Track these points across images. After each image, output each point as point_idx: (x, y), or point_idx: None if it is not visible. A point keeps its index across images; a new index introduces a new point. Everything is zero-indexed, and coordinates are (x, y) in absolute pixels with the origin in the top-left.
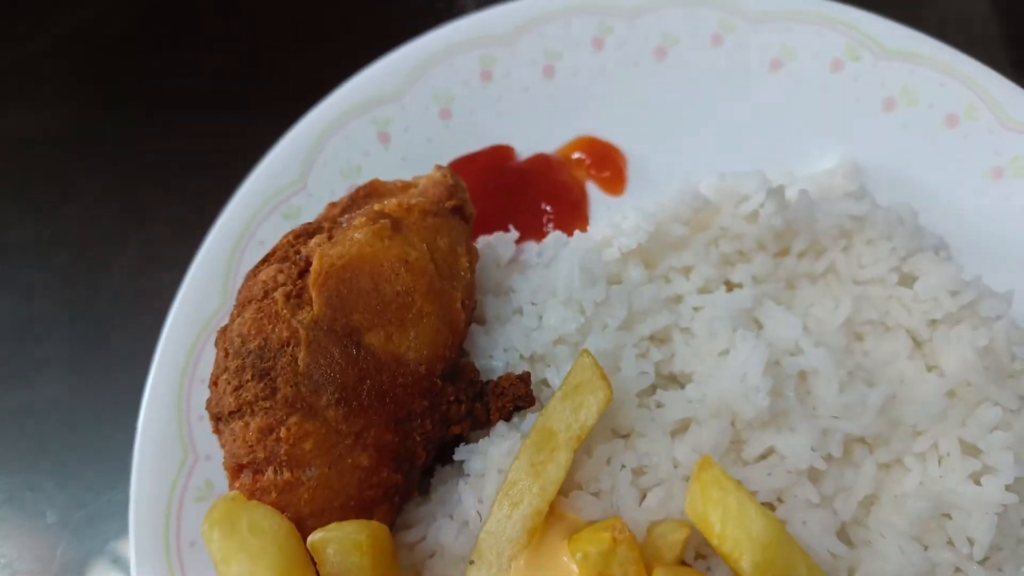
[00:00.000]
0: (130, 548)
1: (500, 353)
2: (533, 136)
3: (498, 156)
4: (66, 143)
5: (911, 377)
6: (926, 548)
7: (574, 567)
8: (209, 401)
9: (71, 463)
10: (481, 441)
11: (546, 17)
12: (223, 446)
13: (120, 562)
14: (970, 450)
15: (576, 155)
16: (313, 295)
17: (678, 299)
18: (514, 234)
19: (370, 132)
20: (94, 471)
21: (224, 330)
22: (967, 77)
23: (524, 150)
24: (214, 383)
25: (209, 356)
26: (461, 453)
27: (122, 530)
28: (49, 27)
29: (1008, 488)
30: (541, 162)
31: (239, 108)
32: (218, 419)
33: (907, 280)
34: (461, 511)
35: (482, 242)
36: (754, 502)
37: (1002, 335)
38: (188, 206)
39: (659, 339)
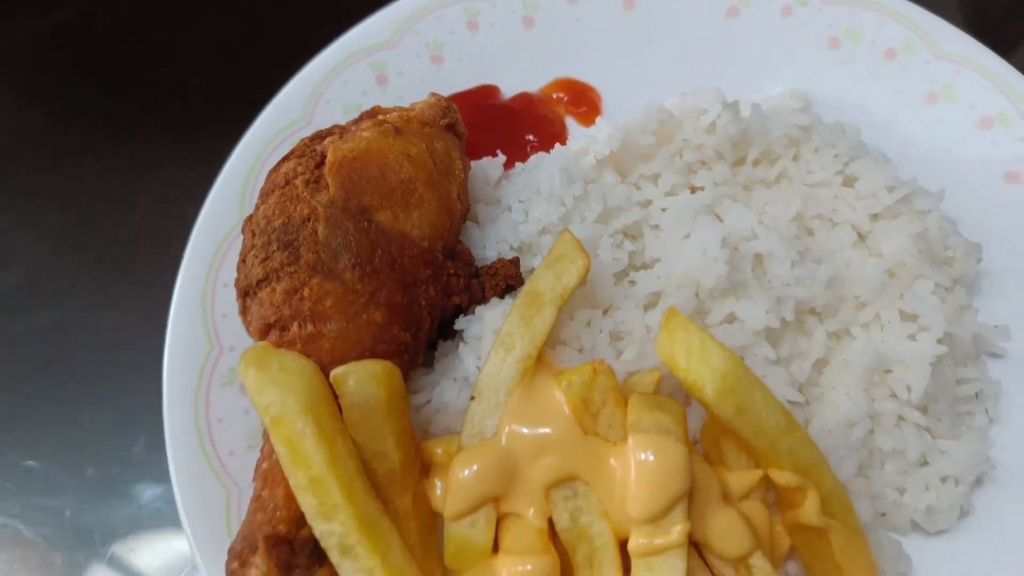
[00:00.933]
0: (165, 425)
1: (492, 244)
2: (516, 79)
3: (485, 94)
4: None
5: (856, 262)
6: (872, 401)
7: (560, 396)
8: (237, 280)
9: (103, 371)
10: (478, 309)
11: None
12: (249, 322)
13: (153, 447)
14: (908, 318)
15: (556, 95)
16: (329, 180)
17: (647, 203)
18: (502, 158)
19: (368, 75)
20: (123, 376)
21: (250, 218)
22: (904, 16)
23: (508, 91)
24: (242, 261)
25: (230, 263)
26: (461, 323)
27: (152, 424)
28: None
29: (939, 341)
30: (524, 99)
31: (243, 60)
32: (246, 294)
33: (850, 182)
34: (462, 369)
35: (473, 165)
36: (714, 340)
37: (934, 225)
38: (200, 154)
39: (631, 235)
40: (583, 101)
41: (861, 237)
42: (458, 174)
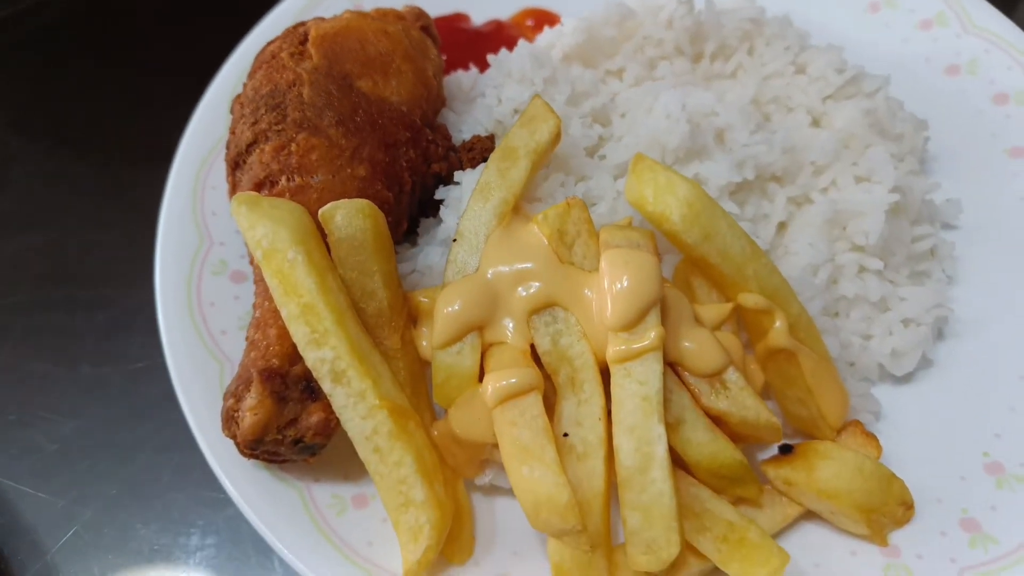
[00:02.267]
0: (157, 305)
1: (468, 128)
2: (486, 7)
3: (456, 19)
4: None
5: (811, 135)
6: (834, 250)
7: (537, 231)
8: (227, 154)
9: (96, 274)
10: (456, 174)
11: None
12: (239, 191)
13: (148, 346)
14: (862, 180)
15: (526, 23)
16: (312, 51)
17: (614, 96)
18: (475, 71)
19: (346, 4)
20: (118, 284)
21: (238, 96)
22: None
23: (479, 19)
24: (232, 133)
25: (218, 169)
26: (441, 192)
27: (147, 328)
28: None
29: (891, 191)
30: (494, 25)
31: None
32: (236, 166)
33: (802, 69)
34: (444, 230)
35: (448, 79)
36: (680, 175)
37: (882, 103)
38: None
39: (600, 120)
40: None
41: (816, 121)
42: (433, 59)
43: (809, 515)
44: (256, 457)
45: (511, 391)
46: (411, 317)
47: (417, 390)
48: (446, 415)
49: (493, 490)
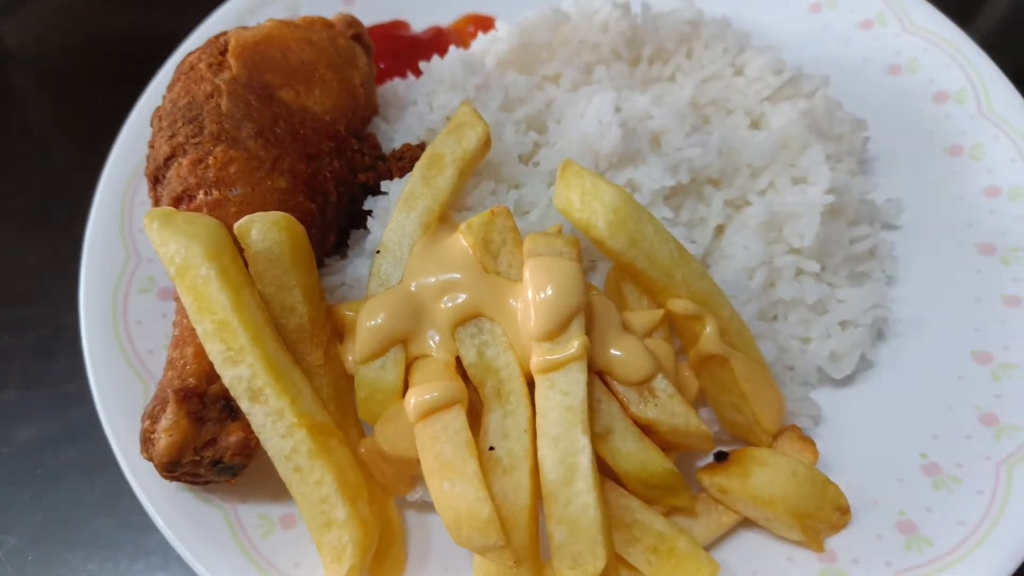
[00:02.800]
0: (81, 324)
1: (400, 136)
2: (426, 16)
3: (395, 27)
4: None
5: (748, 136)
6: (770, 254)
7: (462, 241)
8: (147, 168)
9: (23, 294)
10: (383, 184)
11: None
12: (160, 206)
13: (74, 368)
14: (799, 181)
15: (468, 29)
16: (231, 62)
17: (550, 102)
18: (412, 79)
19: (280, 13)
20: (43, 292)
21: (158, 109)
22: None
23: (419, 27)
24: (151, 147)
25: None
26: (369, 203)
27: (74, 340)
28: None
29: (826, 192)
30: (434, 31)
31: None
32: (156, 180)
33: (740, 71)
34: (372, 241)
35: (386, 87)
36: (607, 181)
37: (821, 102)
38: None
39: (535, 127)
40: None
41: (755, 123)
42: (361, 67)
43: (746, 522)
44: (177, 479)
45: (433, 405)
46: (336, 331)
47: (343, 406)
48: (374, 431)
49: (427, 507)
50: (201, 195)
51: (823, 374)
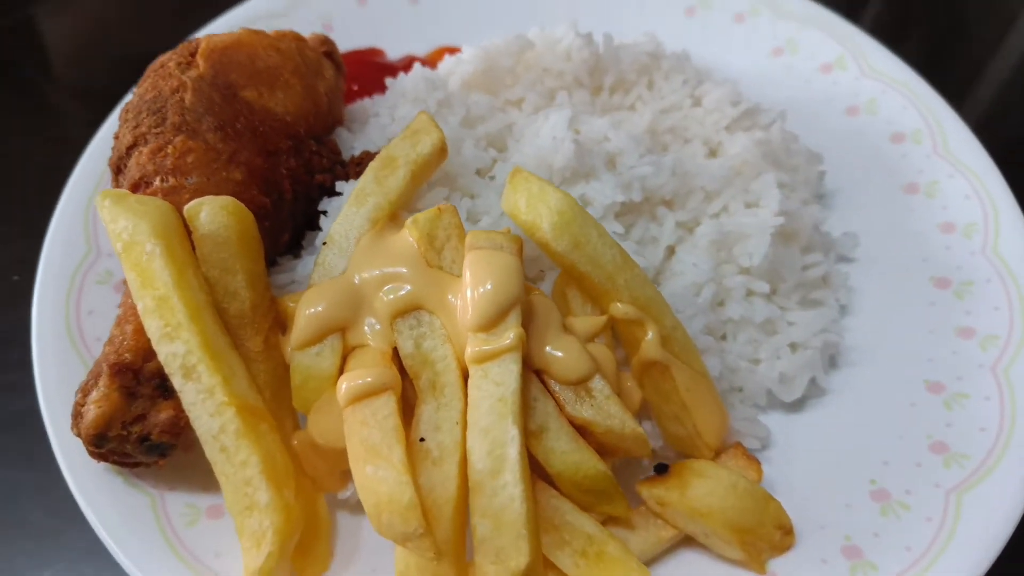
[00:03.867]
0: (33, 306)
1: (360, 145)
2: (402, 47)
3: (370, 53)
4: None
5: (704, 162)
6: (720, 273)
7: (408, 236)
8: (111, 159)
9: None
10: (338, 184)
11: None
12: None
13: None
14: (752, 205)
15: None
16: (200, 62)
17: (512, 124)
18: (379, 96)
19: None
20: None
21: (126, 104)
22: None
23: (394, 56)
24: (115, 138)
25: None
26: (324, 203)
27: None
28: None
29: (776, 215)
30: (408, 60)
31: None
32: (118, 170)
33: (698, 102)
34: (323, 238)
35: (357, 105)
36: (553, 186)
37: (777, 134)
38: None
39: (496, 145)
40: None
41: (712, 152)
42: (328, 79)
43: (686, 542)
44: (105, 458)
45: (364, 390)
46: (279, 323)
47: (279, 397)
48: (307, 422)
49: (359, 507)
50: (157, 182)
51: (773, 398)
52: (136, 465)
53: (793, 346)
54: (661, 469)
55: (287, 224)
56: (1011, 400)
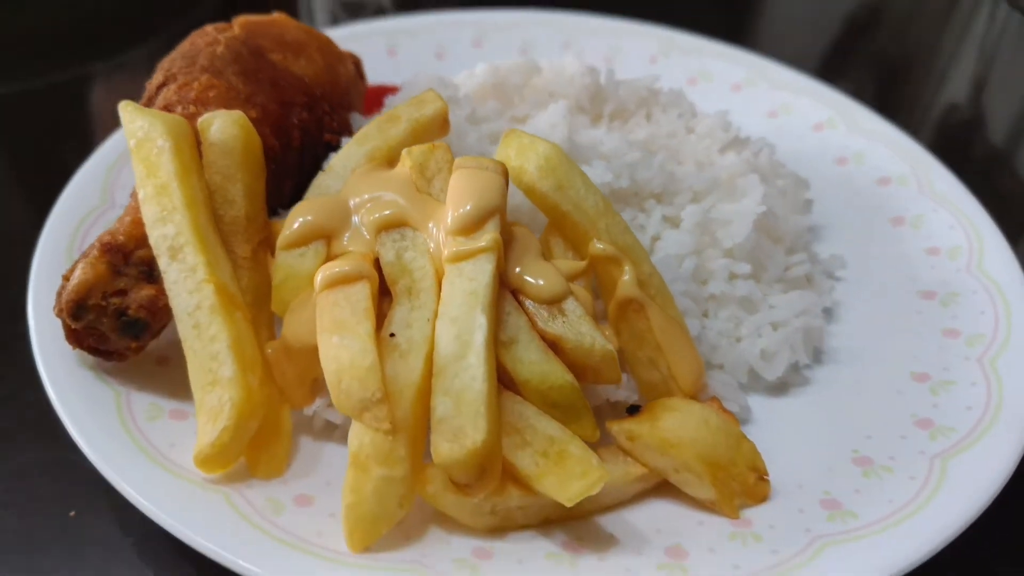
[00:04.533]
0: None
1: None
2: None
3: (386, 89)
4: None
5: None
6: (704, 261)
7: (400, 168)
8: (141, 100)
9: None
10: (343, 141)
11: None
12: None
13: None
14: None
15: None
16: (235, 27)
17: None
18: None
19: None
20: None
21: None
22: (745, 61)
23: None
24: (146, 85)
25: None
26: (328, 161)
27: None
28: None
29: (759, 204)
30: None
31: None
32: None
33: (691, 131)
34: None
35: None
36: (543, 139)
37: (766, 159)
38: None
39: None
40: None
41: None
42: (349, 69)
43: (656, 491)
44: (80, 342)
45: (340, 277)
46: (270, 244)
47: (259, 307)
48: (282, 325)
49: (324, 433)
50: (179, 110)
51: (754, 378)
52: (109, 356)
53: (774, 324)
54: (633, 410)
55: (292, 172)
56: (998, 385)
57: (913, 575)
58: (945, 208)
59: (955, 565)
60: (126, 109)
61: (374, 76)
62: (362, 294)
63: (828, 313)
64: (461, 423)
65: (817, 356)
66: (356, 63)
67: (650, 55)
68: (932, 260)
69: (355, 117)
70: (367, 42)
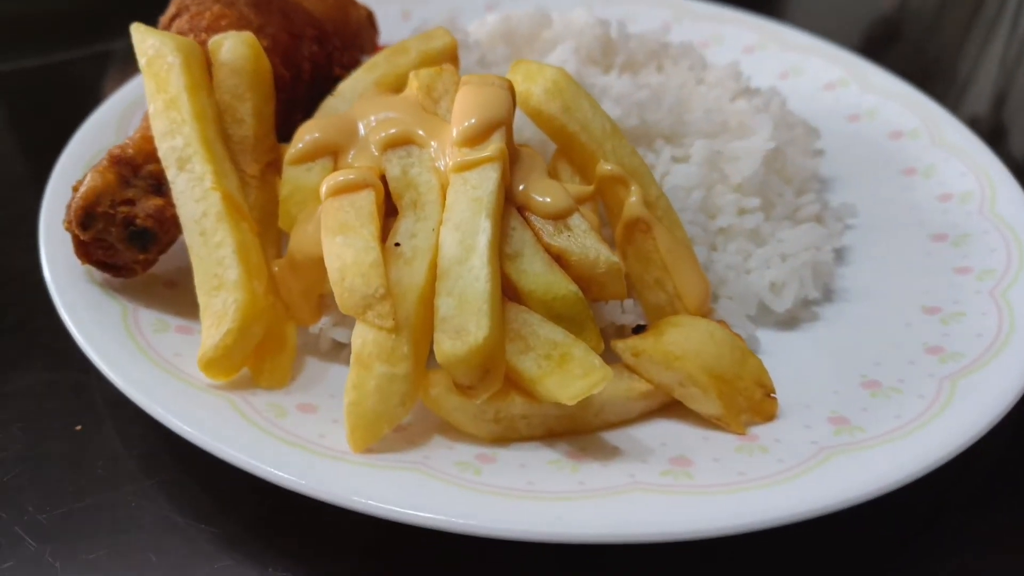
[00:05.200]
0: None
1: None
2: None
3: None
4: None
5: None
6: (713, 196)
7: (409, 92)
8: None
9: None
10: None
11: None
12: None
13: None
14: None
15: None
16: None
17: None
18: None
19: None
20: None
21: None
22: (757, 25)
23: None
24: (160, 20)
25: None
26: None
27: None
28: None
29: (768, 140)
30: None
31: None
32: None
33: (702, 82)
34: None
35: None
36: (549, 65)
37: (777, 106)
38: None
39: None
40: None
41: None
42: (361, 14)
43: (663, 412)
44: (88, 256)
45: (346, 185)
46: (279, 167)
47: (266, 227)
48: (289, 240)
49: (330, 355)
50: (191, 38)
51: (764, 311)
52: (118, 271)
53: (783, 256)
54: (639, 329)
55: (302, 104)
56: (1009, 315)
57: (918, 491)
58: (957, 157)
59: (959, 485)
60: (138, 30)
61: (387, 38)
62: (367, 200)
63: (838, 255)
64: (463, 321)
65: (827, 294)
66: (368, 14)
67: (663, 21)
68: (944, 206)
69: (365, 60)
70: (381, 5)
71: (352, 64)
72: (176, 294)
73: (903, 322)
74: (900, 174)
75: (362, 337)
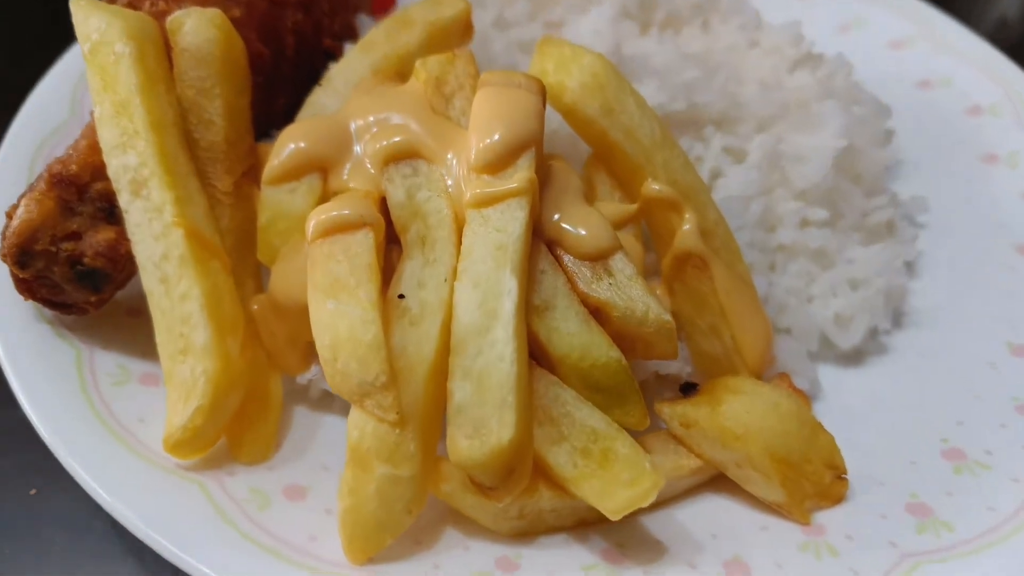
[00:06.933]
0: None
1: None
2: None
3: None
4: None
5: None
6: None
7: (414, 84)
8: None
9: None
10: (347, 46)
11: None
12: None
13: None
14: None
15: None
16: None
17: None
18: None
19: None
20: None
21: None
22: None
23: None
24: None
25: None
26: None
27: None
28: None
29: (839, 137)
30: None
31: None
32: None
33: (756, 44)
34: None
35: None
36: (588, 49)
37: (843, 80)
38: None
39: (529, 52)
40: None
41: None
42: None
43: (711, 485)
44: (33, 293)
45: (338, 223)
46: (257, 174)
47: (243, 253)
48: (270, 277)
49: (321, 404)
50: (147, 6)
51: (826, 345)
52: (67, 309)
53: (852, 283)
54: (688, 389)
55: (285, 86)
56: None
57: None
58: None
59: None
60: (79, 5)
61: None
62: (364, 246)
63: (909, 267)
64: (484, 414)
65: (897, 319)
66: None
67: None
68: None
69: (361, 20)
70: None
71: (344, 32)
72: (141, 324)
73: (986, 361)
74: (979, 161)
75: (359, 429)
